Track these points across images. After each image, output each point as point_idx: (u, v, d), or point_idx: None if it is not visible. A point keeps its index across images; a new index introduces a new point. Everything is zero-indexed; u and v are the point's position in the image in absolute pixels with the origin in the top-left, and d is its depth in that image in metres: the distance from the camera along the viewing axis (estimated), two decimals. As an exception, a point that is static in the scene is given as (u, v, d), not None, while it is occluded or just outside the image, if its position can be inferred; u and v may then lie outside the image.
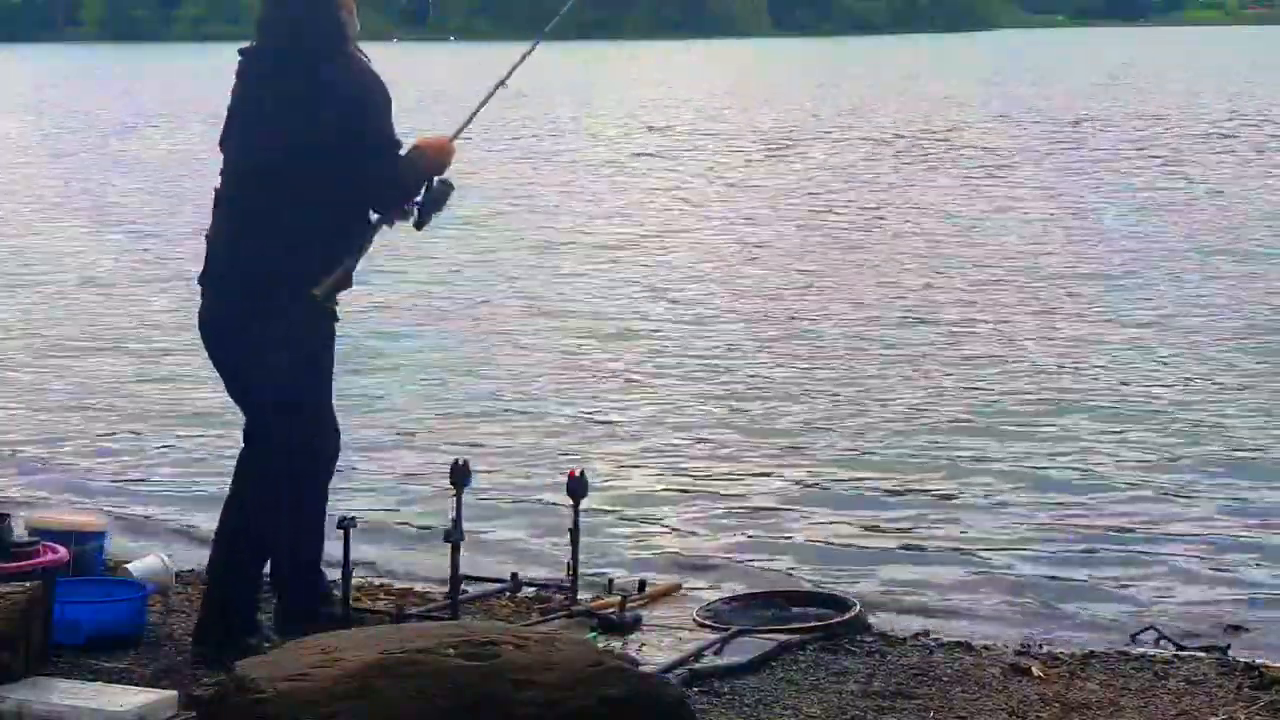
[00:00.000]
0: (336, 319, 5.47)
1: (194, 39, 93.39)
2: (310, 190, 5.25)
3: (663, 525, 7.72)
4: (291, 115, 5.25)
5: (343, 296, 5.46)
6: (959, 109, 37.08)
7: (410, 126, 5.62)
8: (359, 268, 5.46)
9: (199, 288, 5.47)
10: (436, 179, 5.45)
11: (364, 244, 5.47)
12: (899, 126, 32.23)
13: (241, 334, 5.35)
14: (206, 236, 5.46)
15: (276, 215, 5.28)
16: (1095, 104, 37.80)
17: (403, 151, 5.39)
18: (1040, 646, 5.94)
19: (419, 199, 5.45)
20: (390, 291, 12.11)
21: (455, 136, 5.55)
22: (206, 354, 5.49)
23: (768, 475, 8.51)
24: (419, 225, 5.51)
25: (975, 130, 31.09)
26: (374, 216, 5.47)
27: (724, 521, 7.75)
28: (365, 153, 5.27)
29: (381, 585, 6.58)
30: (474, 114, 5.67)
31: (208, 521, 5.89)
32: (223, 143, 5.47)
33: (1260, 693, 5.29)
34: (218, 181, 5.48)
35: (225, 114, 5.45)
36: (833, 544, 7.43)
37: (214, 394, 9.75)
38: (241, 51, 5.44)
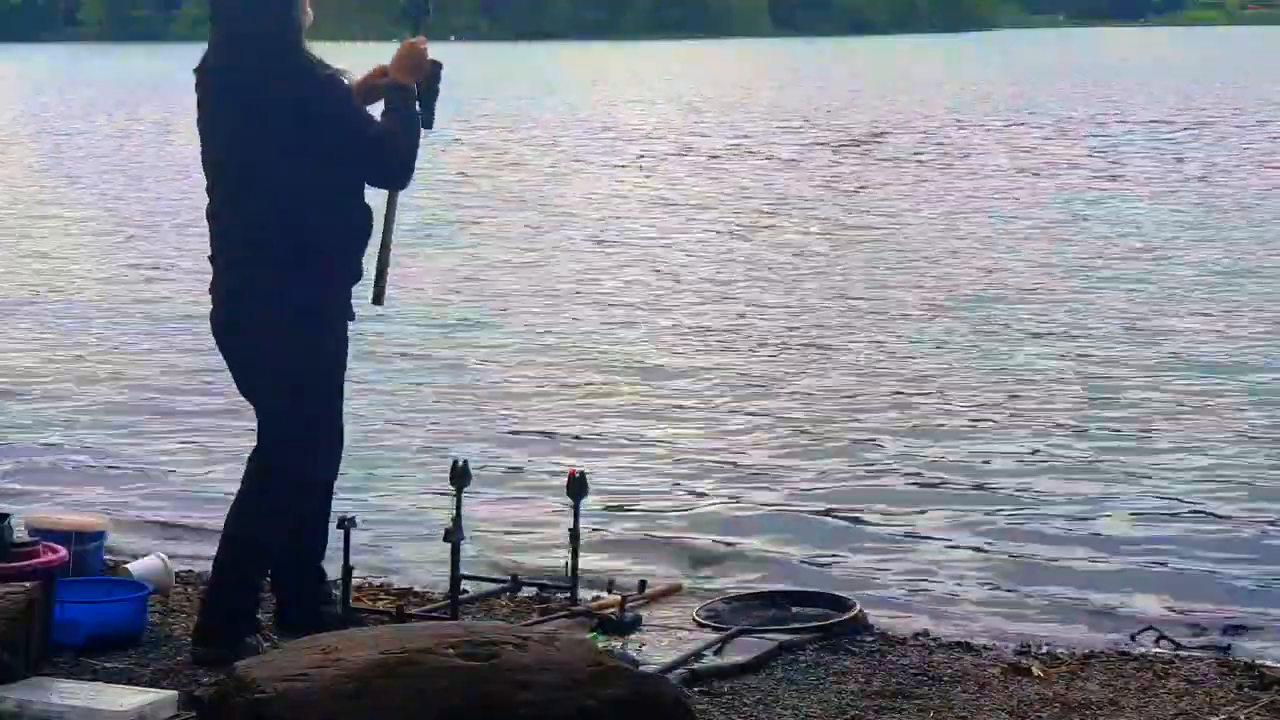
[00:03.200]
0: (351, 317, 5.48)
1: (194, 39, 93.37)
2: (307, 184, 5.25)
3: (663, 525, 7.72)
4: (258, 126, 5.23)
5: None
6: (928, 110, 37.10)
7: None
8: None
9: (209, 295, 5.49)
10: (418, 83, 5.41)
11: (390, 227, 5.50)
12: (863, 127, 32.29)
13: (244, 340, 5.36)
14: (209, 257, 5.48)
15: (274, 213, 5.28)
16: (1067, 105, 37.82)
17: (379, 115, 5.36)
18: (1040, 646, 5.94)
19: (418, 109, 5.41)
20: (389, 291, 12.12)
21: (418, 39, 5.46)
22: (221, 354, 5.51)
23: (768, 475, 8.51)
24: (428, 124, 5.48)
25: (943, 131, 31.13)
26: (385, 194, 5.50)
27: (724, 521, 7.74)
28: (352, 151, 5.27)
29: (381, 585, 6.58)
30: (418, 13, 5.57)
31: (208, 522, 5.91)
32: (203, 160, 5.46)
33: (1260, 693, 5.29)
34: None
35: (199, 133, 5.44)
36: (833, 544, 7.43)
37: (215, 394, 9.81)
38: (196, 71, 5.37)
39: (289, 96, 5.20)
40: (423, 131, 5.45)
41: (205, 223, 5.48)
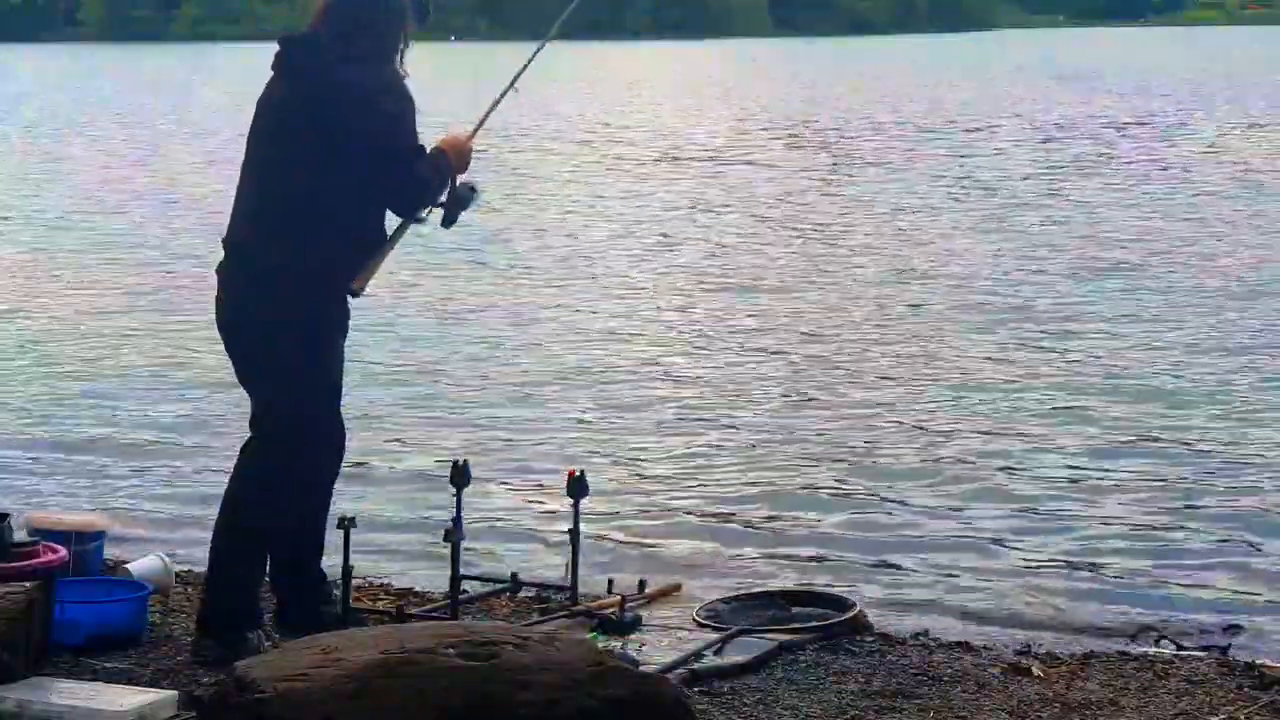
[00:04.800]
0: (348, 313, 5.50)
1: (194, 39, 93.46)
2: (322, 187, 5.27)
3: (663, 525, 7.72)
4: (307, 112, 5.27)
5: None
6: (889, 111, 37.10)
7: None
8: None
9: (216, 278, 5.50)
10: (459, 180, 5.53)
11: (397, 237, 5.54)
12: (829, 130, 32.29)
13: (251, 327, 5.37)
14: (223, 240, 5.49)
15: (287, 210, 5.30)
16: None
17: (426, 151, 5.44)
18: (1040, 646, 5.94)
19: (443, 199, 5.50)
20: (390, 291, 12.10)
21: (472, 137, 5.62)
22: (223, 346, 5.52)
23: (768, 476, 8.51)
24: (447, 224, 5.57)
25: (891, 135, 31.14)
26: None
27: (724, 521, 7.75)
28: (383, 157, 5.29)
29: (381, 585, 6.58)
30: (487, 115, 5.74)
31: (209, 522, 5.89)
32: (248, 135, 5.50)
33: (1260, 693, 5.29)
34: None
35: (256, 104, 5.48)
36: (833, 544, 7.43)
37: (216, 393, 9.82)
38: (282, 40, 5.46)
39: (326, 102, 5.24)
40: (438, 215, 5.56)
41: (210, 216, 5.51)
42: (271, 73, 5.45)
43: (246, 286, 5.38)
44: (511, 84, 5.78)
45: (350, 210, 5.34)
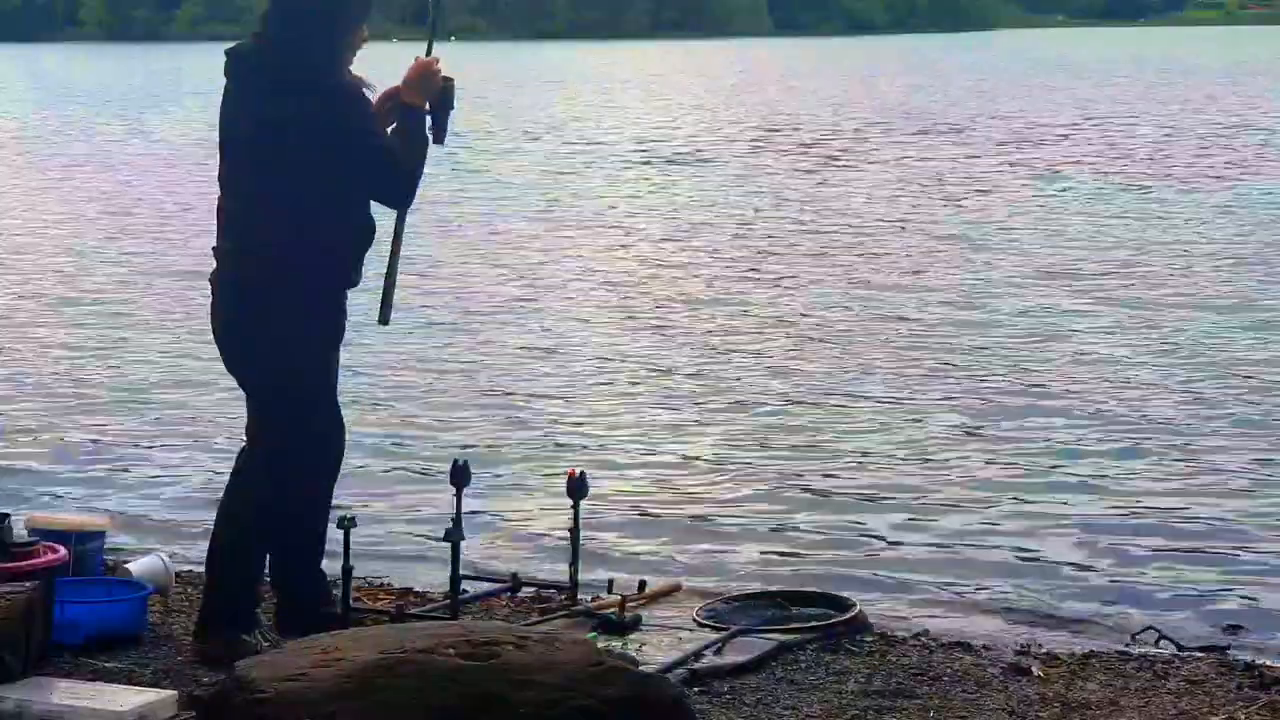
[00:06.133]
0: (344, 314, 5.50)
1: (194, 39, 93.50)
2: (312, 191, 5.27)
3: (663, 525, 7.71)
4: (270, 127, 5.26)
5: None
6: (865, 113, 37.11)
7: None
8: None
9: (209, 286, 5.50)
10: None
11: (398, 244, 5.54)
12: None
13: (246, 331, 5.37)
14: (213, 249, 5.50)
15: (273, 213, 5.30)
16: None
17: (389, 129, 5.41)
18: (1040, 646, 5.94)
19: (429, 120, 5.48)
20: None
21: (430, 53, 5.55)
22: (218, 351, 5.52)
23: (768, 476, 8.51)
24: (439, 140, 5.53)
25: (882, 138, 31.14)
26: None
27: (724, 521, 7.75)
28: (376, 156, 5.29)
29: (381, 585, 6.58)
30: (433, 32, 5.68)
31: (209, 522, 5.90)
32: (219, 145, 5.49)
33: (1260, 693, 5.29)
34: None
35: (220, 115, 5.47)
36: (833, 544, 7.43)
37: (218, 393, 9.81)
38: (228, 52, 5.45)
39: (304, 102, 5.22)
40: (434, 146, 5.51)
41: (213, 217, 5.50)
42: (227, 79, 5.41)
43: (235, 289, 5.38)
44: None
45: (342, 207, 5.34)
